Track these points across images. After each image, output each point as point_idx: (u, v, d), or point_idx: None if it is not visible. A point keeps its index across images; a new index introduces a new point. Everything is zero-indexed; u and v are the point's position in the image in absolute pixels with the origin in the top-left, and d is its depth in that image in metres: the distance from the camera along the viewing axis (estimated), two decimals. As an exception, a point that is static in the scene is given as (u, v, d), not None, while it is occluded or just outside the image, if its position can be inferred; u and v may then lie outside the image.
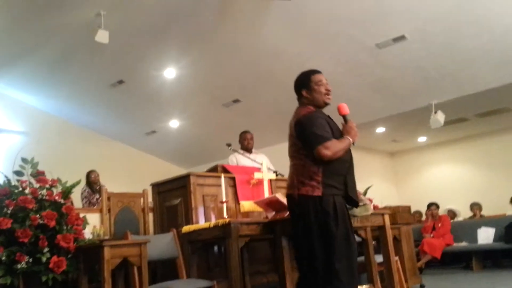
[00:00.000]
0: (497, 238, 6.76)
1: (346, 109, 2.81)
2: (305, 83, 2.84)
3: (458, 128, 8.93)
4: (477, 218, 7.99)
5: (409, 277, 4.84)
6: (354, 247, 2.65)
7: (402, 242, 4.94)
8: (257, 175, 4.32)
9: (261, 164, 4.48)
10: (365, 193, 4.42)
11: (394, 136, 9.43)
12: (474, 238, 6.96)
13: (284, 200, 3.66)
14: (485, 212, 8.31)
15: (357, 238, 4.43)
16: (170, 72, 6.82)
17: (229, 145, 4.77)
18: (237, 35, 5.98)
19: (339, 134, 2.72)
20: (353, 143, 2.71)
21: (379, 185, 9.62)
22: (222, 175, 3.86)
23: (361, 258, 4.45)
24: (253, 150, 5.24)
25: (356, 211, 2.96)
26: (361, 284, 3.88)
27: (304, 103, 2.83)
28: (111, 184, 6.29)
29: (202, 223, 3.65)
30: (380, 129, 8.82)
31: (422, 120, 7.28)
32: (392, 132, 9.08)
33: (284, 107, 7.53)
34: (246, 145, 5.17)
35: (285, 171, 5.23)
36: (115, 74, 6.97)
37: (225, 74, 6.91)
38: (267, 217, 3.77)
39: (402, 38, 5.67)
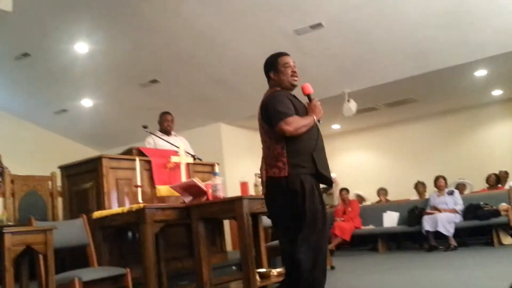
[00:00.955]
0: (400, 221, 7.24)
1: (310, 89, 2.81)
2: (273, 65, 2.84)
3: (369, 117, 9.38)
4: (383, 203, 8.49)
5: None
6: (323, 226, 2.62)
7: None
8: (174, 159, 4.21)
9: (179, 148, 4.37)
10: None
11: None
12: (380, 221, 7.40)
13: (201, 184, 3.61)
14: (391, 197, 8.85)
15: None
16: (81, 47, 6.39)
17: (145, 126, 4.59)
18: (157, 13, 5.75)
19: (304, 113, 2.71)
20: (318, 121, 2.70)
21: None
22: (137, 158, 3.71)
23: (276, 242, 4.54)
24: (173, 133, 5.11)
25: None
26: (276, 266, 3.97)
27: (272, 85, 2.83)
28: (16, 166, 5.81)
29: (115, 209, 3.49)
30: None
31: (336, 108, 7.53)
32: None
33: (204, 90, 7.50)
34: (166, 127, 5.02)
35: (204, 155, 5.19)
36: (19, 46, 6.40)
37: (142, 53, 6.63)
38: (184, 202, 3.70)
39: (319, 25, 5.79)
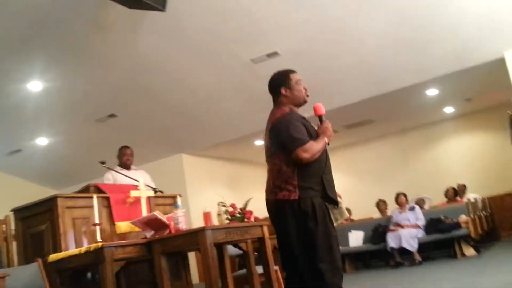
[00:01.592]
0: (366, 240, 7.31)
1: (322, 110, 2.78)
2: (284, 81, 2.80)
3: (329, 139, 9.54)
4: (348, 223, 8.55)
5: (289, 285, 4.98)
6: (336, 246, 2.64)
7: (282, 251, 5.08)
8: (133, 193, 4.11)
9: (139, 181, 4.28)
10: (245, 206, 4.45)
11: (272, 148, 9.77)
12: (346, 241, 7.44)
13: (163, 218, 3.53)
14: (355, 217, 8.95)
15: (238, 251, 4.47)
16: (35, 85, 6.25)
17: (103, 162, 4.47)
18: (112, 47, 5.72)
19: (314, 134, 2.69)
20: (328, 144, 2.69)
21: (259, 197, 9.87)
22: (94, 196, 3.60)
23: (243, 271, 4.48)
24: (132, 167, 5.02)
25: (335, 216, 2.90)
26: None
27: (282, 102, 2.79)
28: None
29: (72, 250, 3.35)
30: (259, 142, 9.07)
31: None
32: (270, 145, 9.39)
33: (164, 122, 7.45)
34: (125, 161, 4.93)
35: (166, 187, 5.10)
36: (-31, 86, 6.21)
37: (99, 87, 6.56)
38: (145, 237, 3.60)
39: (275, 54, 5.91)
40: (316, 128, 2.78)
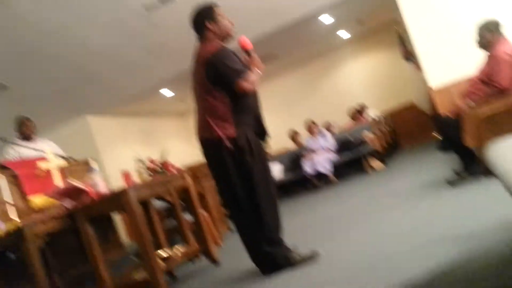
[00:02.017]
0: (284, 171, 7.66)
1: (248, 43, 2.72)
2: (209, 15, 2.72)
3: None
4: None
5: (219, 226, 5.16)
6: (271, 176, 2.79)
7: (207, 196, 5.20)
8: (43, 165, 3.91)
9: (46, 152, 4.06)
10: (163, 158, 4.43)
11: (180, 96, 9.62)
12: (266, 175, 7.74)
13: (80, 185, 3.42)
14: (271, 150, 9.27)
15: (163, 204, 4.49)
16: None
17: (4, 139, 4.16)
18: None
19: (247, 68, 2.67)
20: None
21: (176, 147, 9.84)
22: (0, 174, 3.37)
23: (172, 222, 4.54)
24: (36, 137, 4.71)
25: None
26: (176, 244, 3.98)
27: (209, 37, 2.71)
28: None
29: (-13, 234, 3.16)
30: (166, 92, 8.89)
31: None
32: (178, 93, 9.24)
33: (63, 85, 6.98)
34: (26, 132, 4.61)
35: (77, 153, 4.88)
36: None
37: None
38: (66, 208, 3.48)
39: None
40: (245, 62, 2.79)
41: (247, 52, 2.77)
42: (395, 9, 6.63)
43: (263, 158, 2.80)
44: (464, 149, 3.60)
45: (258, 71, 2.73)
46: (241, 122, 2.69)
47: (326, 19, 7.73)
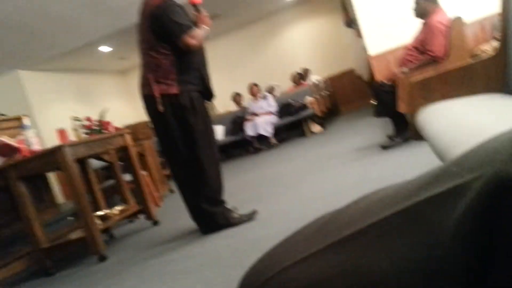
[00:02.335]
0: (226, 133, 7.69)
1: None
2: None
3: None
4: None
5: (159, 187, 5.14)
6: (214, 137, 2.80)
7: (147, 156, 5.14)
8: (-30, 121, 3.69)
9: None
10: (101, 117, 4.30)
11: (121, 53, 9.27)
12: (208, 137, 7.73)
13: (11, 141, 3.27)
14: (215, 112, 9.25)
15: (103, 163, 4.40)
16: None
17: None
18: None
19: (193, 24, 2.60)
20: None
21: (115, 106, 9.56)
22: None
23: (111, 181, 4.47)
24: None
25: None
26: (115, 205, 3.94)
27: None
28: None
29: None
30: (105, 48, 8.52)
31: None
32: (118, 50, 8.89)
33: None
34: None
35: (8, 109, 4.63)
36: None
37: None
38: (-5, 166, 3.33)
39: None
40: (193, 17, 2.73)
41: (195, 7, 2.70)
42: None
43: (207, 118, 2.80)
44: (398, 115, 3.78)
45: (206, 27, 2.68)
46: (185, 80, 2.65)
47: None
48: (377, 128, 5.21)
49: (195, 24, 2.67)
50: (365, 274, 0.35)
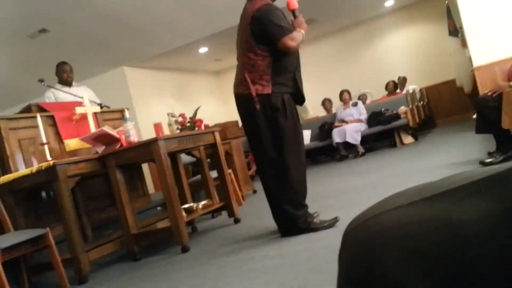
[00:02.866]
0: (313, 138, 7.64)
1: (295, 4, 2.76)
2: None
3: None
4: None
5: (242, 186, 5.23)
6: (302, 141, 2.85)
7: (234, 155, 5.26)
8: (79, 110, 4.03)
9: (83, 98, 4.17)
10: (194, 115, 4.49)
11: (217, 55, 9.61)
12: (294, 141, 7.73)
13: (113, 132, 3.52)
14: (303, 116, 9.23)
15: (191, 159, 4.58)
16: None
17: (41, 80, 4.28)
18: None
19: (292, 28, 2.72)
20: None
21: (207, 105, 9.91)
22: (38, 115, 3.50)
23: (198, 177, 4.64)
24: (74, 83, 4.83)
25: (300, 114, 3.10)
26: (200, 200, 4.09)
27: None
28: None
29: (23, 170, 3.32)
30: (203, 49, 8.88)
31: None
32: (214, 51, 9.22)
33: (102, 34, 7.07)
34: (65, 78, 4.72)
35: (112, 102, 5.00)
36: None
37: (24, 1, 6.02)
38: (97, 153, 3.60)
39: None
40: (291, 22, 2.81)
41: (293, 12, 2.78)
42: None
43: (296, 121, 2.82)
44: (501, 131, 3.50)
45: (303, 31, 2.73)
46: (278, 81, 2.71)
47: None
48: (476, 144, 4.86)
49: (293, 28, 2.74)
50: (453, 224, 0.42)
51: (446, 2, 7.55)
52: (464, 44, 6.36)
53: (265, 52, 2.66)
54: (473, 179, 0.45)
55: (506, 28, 5.42)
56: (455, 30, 7.22)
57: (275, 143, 2.76)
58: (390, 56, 9.72)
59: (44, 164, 2.99)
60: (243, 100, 2.79)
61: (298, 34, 2.68)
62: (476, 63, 5.67)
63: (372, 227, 0.48)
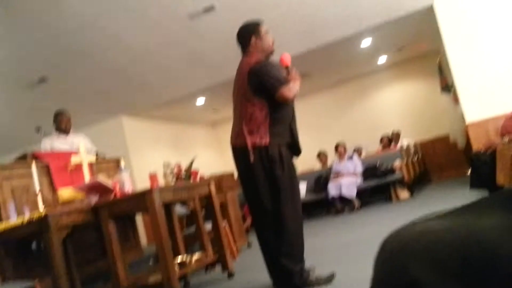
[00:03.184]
0: (308, 191, 7.61)
1: (289, 60, 2.88)
2: (255, 30, 2.88)
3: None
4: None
5: (237, 239, 5.15)
6: (299, 192, 2.86)
7: (229, 207, 5.21)
8: (74, 159, 4.02)
9: (79, 147, 4.17)
10: (190, 165, 4.48)
11: (214, 105, 9.74)
12: (290, 193, 7.69)
13: (107, 182, 3.49)
14: (298, 169, 9.23)
15: (185, 211, 4.53)
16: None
17: (38, 129, 4.31)
18: (40, 5, 5.32)
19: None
20: None
21: (203, 155, 9.93)
22: (33, 163, 3.49)
23: (191, 229, 4.57)
24: (71, 132, 4.85)
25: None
26: (194, 251, 4.00)
27: (251, 51, 2.86)
28: None
29: (14, 220, 3.26)
30: (201, 100, 9.01)
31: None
32: (211, 102, 9.36)
33: (101, 84, 7.18)
34: (62, 127, 4.75)
35: (108, 151, 5.00)
36: None
37: (27, 50, 6.15)
38: (90, 203, 3.56)
39: (211, 8, 5.77)
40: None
41: (286, 69, 2.88)
42: (437, 39, 6.57)
43: (293, 173, 2.83)
44: (496, 188, 3.50)
45: (297, 84, 2.83)
46: (276, 132, 2.75)
47: (366, 42, 7.71)
48: (472, 200, 4.85)
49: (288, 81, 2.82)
50: (475, 233, 0.49)
51: (438, 59, 7.79)
52: (456, 100, 6.50)
53: (263, 103, 2.72)
54: (487, 196, 0.55)
55: (497, 85, 5.56)
56: (447, 87, 7.39)
57: (271, 194, 2.75)
58: (384, 110, 9.89)
59: (35, 215, 2.94)
60: (240, 152, 2.81)
61: (295, 85, 2.78)
62: (468, 119, 5.78)
63: (404, 235, 0.56)
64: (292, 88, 2.73)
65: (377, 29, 6.92)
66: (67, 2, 5.34)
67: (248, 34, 2.93)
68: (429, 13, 6.39)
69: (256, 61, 2.80)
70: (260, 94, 2.73)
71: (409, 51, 8.94)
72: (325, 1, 6.02)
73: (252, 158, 2.72)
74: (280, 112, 2.76)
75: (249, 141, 2.73)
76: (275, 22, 6.29)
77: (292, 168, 2.84)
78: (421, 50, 8.96)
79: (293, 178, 2.83)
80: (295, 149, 2.90)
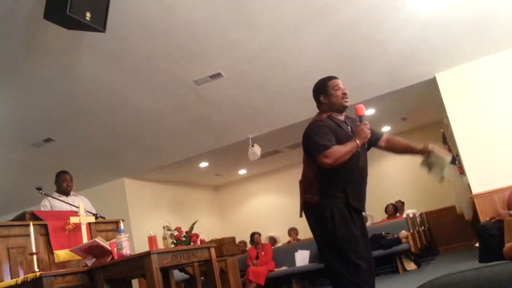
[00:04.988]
0: (312, 259, 7.39)
1: (362, 111, 2.82)
2: (322, 89, 2.91)
3: (273, 160, 9.67)
4: (294, 242, 8.63)
5: (237, 308, 4.94)
6: (356, 247, 2.71)
7: (229, 273, 5.05)
8: (73, 220, 3.95)
9: (79, 208, 4.12)
10: (191, 229, 4.39)
11: (216, 170, 9.74)
12: (292, 261, 7.48)
13: (105, 244, 3.41)
14: (301, 235, 9.04)
15: (184, 276, 4.38)
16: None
17: (39, 188, 4.28)
18: (48, 69, 5.47)
19: (347, 140, 2.74)
20: (363, 145, 2.78)
21: (205, 219, 9.79)
22: (31, 223, 3.42)
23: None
24: (72, 193, 4.83)
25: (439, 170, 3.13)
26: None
27: (322, 109, 2.90)
28: None
29: (7, 281, 3.15)
30: (203, 164, 9.02)
31: (241, 154, 7.67)
32: (214, 166, 9.36)
33: (105, 145, 7.24)
34: (64, 187, 4.74)
35: (108, 212, 4.92)
36: None
37: (34, 110, 6.26)
38: (86, 265, 3.45)
39: (218, 75, 5.92)
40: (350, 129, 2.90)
41: (359, 118, 2.83)
42: (440, 109, 6.65)
43: (349, 229, 2.72)
44: (505, 259, 3.38)
45: (358, 141, 2.72)
46: (327, 192, 2.75)
47: (369, 112, 7.81)
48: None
49: (350, 138, 2.75)
50: (501, 282, 0.64)
51: (442, 130, 7.85)
52: (461, 171, 6.46)
53: (313, 164, 2.76)
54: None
55: (502, 156, 5.55)
56: (452, 158, 7.39)
57: (327, 248, 2.77)
58: (389, 180, 9.83)
59: (30, 275, 2.84)
60: (301, 206, 2.91)
61: (342, 148, 2.67)
62: (475, 190, 5.71)
63: (437, 285, 0.68)
64: (332, 153, 2.63)
65: (380, 99, 7.03)
66: (74, 66, 5.47)
67: (316, 93, 2.98)
68: (432, 84, 6.51)
69: (311, 122, 2.88)
70: (310, 155, 2.80)
71: (413, 120, 9.04)
72: (330, 71, 6.15)
73: (300, 213, 2.87)
74: (331, 174, 2.72)
75: (301, 198, 2.87)
76: (280, 89, 6.45)
77: (348, 223, 2.73)
78: (424, 120, 9.06)
79: (348, 235, 2.70)
80: (356, 210, 2.84)
